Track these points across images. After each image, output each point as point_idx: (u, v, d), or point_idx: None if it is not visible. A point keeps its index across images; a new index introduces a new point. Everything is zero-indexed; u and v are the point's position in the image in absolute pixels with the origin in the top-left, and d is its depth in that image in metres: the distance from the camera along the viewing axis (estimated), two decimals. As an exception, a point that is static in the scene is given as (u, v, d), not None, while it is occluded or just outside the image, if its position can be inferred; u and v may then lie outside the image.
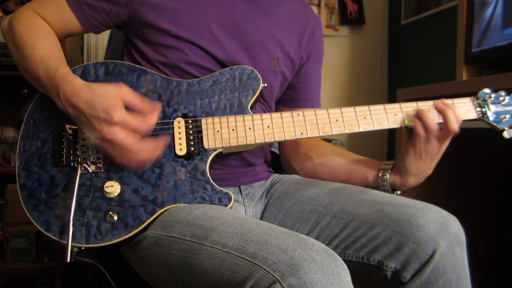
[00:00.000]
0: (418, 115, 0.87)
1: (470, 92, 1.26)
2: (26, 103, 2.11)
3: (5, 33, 0.92)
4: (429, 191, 1.59)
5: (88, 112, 0.76)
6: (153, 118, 0.79)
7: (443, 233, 0.80)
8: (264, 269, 0.62)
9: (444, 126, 0.87)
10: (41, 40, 0.87)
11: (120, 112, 0.75)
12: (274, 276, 0.60)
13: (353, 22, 2.65)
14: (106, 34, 1.18)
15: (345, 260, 0.86)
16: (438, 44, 2.27)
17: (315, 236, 0.91)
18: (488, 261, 1.63)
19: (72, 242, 0.77)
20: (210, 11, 0.93)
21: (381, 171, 0.95)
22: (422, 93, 1.51)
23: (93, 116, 0.75)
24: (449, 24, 2.11)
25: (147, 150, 0.78)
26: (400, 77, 2.62)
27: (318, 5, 2.60)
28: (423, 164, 0.89)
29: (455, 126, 0.86)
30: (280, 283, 0.59)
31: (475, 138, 1.58)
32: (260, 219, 1.00)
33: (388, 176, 0.94)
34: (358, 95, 2.69)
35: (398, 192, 0.95)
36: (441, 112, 0.87)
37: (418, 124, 0.87)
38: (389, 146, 2.65)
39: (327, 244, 0.89)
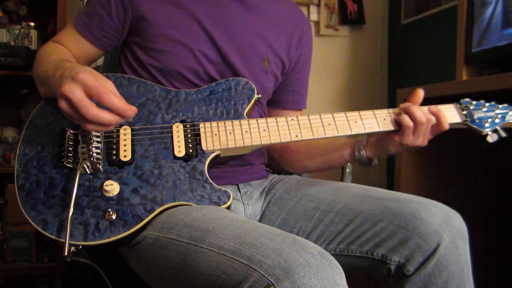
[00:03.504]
0: (405, 110, 0.90)
1: (470, 92, 1.26)
2: (26, 103, 2.11)
3: (33, 67, 0.97)
4: (429, 188, 1.59)
5: (65, 74, 0.74)
6: (117, 99, 0.72)
7: (447, 227, 0.82)
8: (259, 272, 0.62)
9: (437, 123, 0.91)
10: (58, 53, 0.94)
11: (88, 76, 0.72)
12: (268, 280, 0.60)
13: (353, 22, 2.65)
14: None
15: (348, 256, 0.88)
16: (438, 44, 2.26)
17: (319, 233, 0.92)
18: (489, 256, 1.63)
19: (70, 240, 0.77)
20: (203, 13, 0.96)
21: (356, 146, 0.97)
22: (422, 93, 1.51)
23: (64, 76, 0.73)
24: (449, 24, 2.11)
25: (102, 118, 0.72)
26: (400, 77, 2.62)
27: (318, 5, 2.59)
28: (400, 150, 0.93)
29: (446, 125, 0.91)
30: (274, 287, 0.59)
31: (476, 137, 1.58)
32: (261, 218, 1.01)
33: (363, 152, 0.95)
34: (358, 95, 2.69)
35: (376, 162, 0.97)
36: (434, 114, 0.91)
37: (406, 117, 0.89)
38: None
39: (331, 241, 0.90)
